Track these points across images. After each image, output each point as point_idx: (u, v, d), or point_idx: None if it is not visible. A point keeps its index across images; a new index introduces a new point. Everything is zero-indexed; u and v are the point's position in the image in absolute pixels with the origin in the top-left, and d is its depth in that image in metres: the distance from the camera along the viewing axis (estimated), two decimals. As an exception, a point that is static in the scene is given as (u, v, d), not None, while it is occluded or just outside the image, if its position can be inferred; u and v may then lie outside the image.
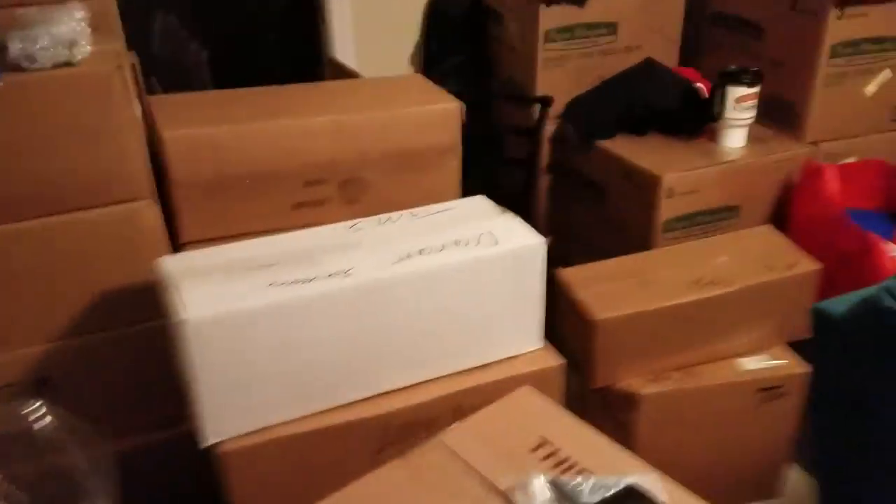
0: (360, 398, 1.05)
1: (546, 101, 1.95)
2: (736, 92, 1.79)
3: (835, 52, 1.77)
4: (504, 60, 2.14)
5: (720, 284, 1.53)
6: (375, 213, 1.22)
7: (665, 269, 1.58)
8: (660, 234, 1.77)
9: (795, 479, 1.74)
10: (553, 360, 1.15)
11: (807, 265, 1.61)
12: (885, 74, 1.85)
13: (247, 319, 0.94)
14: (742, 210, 1.83)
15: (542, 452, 0.69)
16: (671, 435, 1.51)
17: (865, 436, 0.85)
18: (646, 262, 1.62)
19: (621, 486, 0.60)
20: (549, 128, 2.02)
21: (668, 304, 1.48)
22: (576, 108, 2.02)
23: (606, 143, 1.91)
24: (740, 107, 1.80)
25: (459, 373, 1.09)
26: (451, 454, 0.68)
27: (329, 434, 1.01)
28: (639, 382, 1.49)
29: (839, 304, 0.89)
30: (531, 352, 1.15)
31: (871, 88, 1.86)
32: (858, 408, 0.85)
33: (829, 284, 1.59)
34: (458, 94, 2.14)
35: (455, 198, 1.43)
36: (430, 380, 1.07)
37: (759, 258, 1.62)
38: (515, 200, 1.59)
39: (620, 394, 1.48)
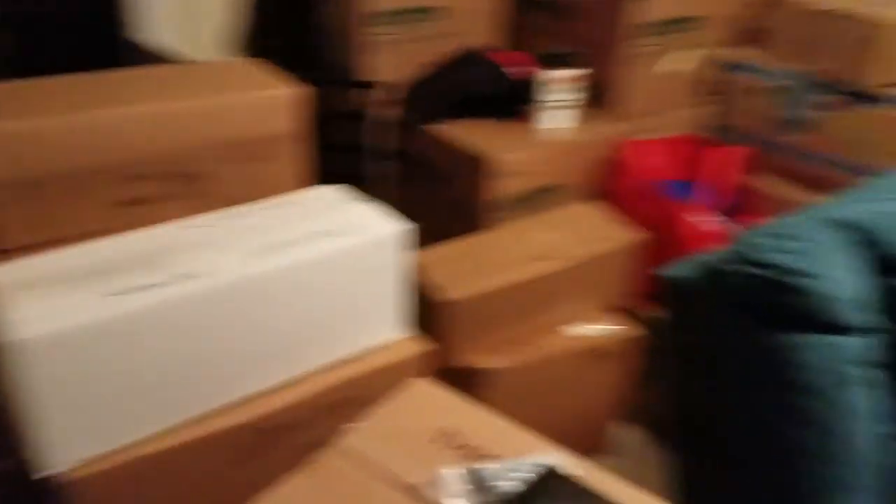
0: (224, 405, 0.98)
1: (368, 86, 1.92)
2: (555, 75, 1.86)
3: (643, 33, 1.89)
4: (328, 44, 2.08)
5: (557, 259, 1.60)
6: (215, 209, 1.14)
7: (506, 247, 1.62)
8: (496, 214, 1.81)
9: (629, 436, 1.87)
10: (421, 345, 1.14)
11: (631, 236, 1.72)
12: (689, 53, 2.00)
13: (87, 334, 0.85)
14: (567, 188, 1.92)
15: (448, 443, 0.68)
16: (519, 404, 1.56)
17: (719, 396, 0.91)
18: (488, 241, 1.66)
19: (535, 467, 0.60)
20: (384, 112, 2.01)
21: (513, 280, 1.52)
22: (407, 92, 2.01)
23: (440, 128, 1.92)
24: (559, 89, 1.87)
25: (327, 369, 1.05)
26: (357, 458, 0.65)
27: (192, 448, 0.94)
28: (489, 358, 1.52)
29: (684, 268, 0.95)
30: (398, 339, 1.13)
31: (675, 67, 2.00)
32: (710, 369, 0.92)
33: (646, 253, 1.71)
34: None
35: (303, 188, 1.38)
36: (298, 379, 1.02)
37: (589, 231, 1.72)
38: (350, 187, 1.56)
39: (474, 371, 1.51)
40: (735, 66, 2.01)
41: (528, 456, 0.62)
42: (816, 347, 0.80)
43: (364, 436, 0.67)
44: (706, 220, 1.70)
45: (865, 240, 0.86)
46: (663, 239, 1.74)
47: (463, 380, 1.51)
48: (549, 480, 0.58)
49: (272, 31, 2.13)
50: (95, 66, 1.34)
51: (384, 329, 1.12)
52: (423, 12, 1.98)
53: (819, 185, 1.91)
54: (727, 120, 2.06)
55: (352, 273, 1.03)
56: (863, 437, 0.83)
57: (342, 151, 1.96)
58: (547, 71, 1.85)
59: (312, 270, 0.99)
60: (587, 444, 1.76)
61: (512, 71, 1.99)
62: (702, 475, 0.98)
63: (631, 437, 1.89)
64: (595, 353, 1.66)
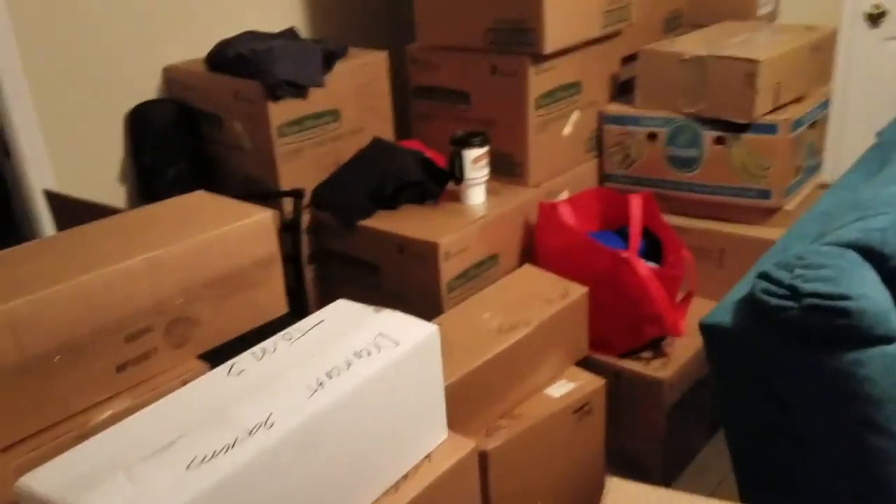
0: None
1: (299, 194, 1.89)
2: (471, 154, 1.92)
3: (538, 104, 1.99)
4: (233, 161, 2.03)
5: (521, 326, 1.62)
6: (207, 349, 1.07)
7: (468, 326, 1.62)
8: (444, 296, 1.82)
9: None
10: (465, 444, 1.11)
11: (577, 291, 1.77)
12: (576, 115, 2.12)
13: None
14: (501, 257, 1.96)
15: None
16: (515, 477, 1.55)
17: (789, 424, 0.95)
18: (448, 324, 1.64)
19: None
20: (312, 217, 1.98)
21: (490, 355, 1.52)
22: (325, 194, 1.99)
23: (369, 222, 1.91)
24: (477, 167, 1.93)
25: (395, 491, 0.99)
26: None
27: None
28: (479, 440, 1.50)
29: (721, 314, 1.00)
30: (441, 443, 1.09)
31: (567, 129, 2.12)
32: (776, 406, 0.96)
33: (591, 303, 1.77)
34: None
35: (283, 309, 1.32)
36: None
37: (537, 295, 1.75)
38: (287, 296, 1.51)
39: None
40: (614, 119, 2.16)
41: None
42: (877, 359, 0.87)
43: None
44: (642, 264, 1.79)
45: (872, 256, 0.95)
46: (606, 286, 1.81)
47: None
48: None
49: (167, 159, 2.04)
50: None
51: (431, 435, 1.08)
52: (323, 116, 1.98)
53: (720, 213, 2.08)
54: (620, 168, 2.19)
55: (401, 385, 0.99)
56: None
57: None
58: (468, 151, 1.90)
59: (369, 391, 0.94)
60: (580, 496, 1.78)
61: (427, 156, 2.03)
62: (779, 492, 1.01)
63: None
64: (573, 410, 1.68)
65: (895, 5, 2.70)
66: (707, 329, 1.00)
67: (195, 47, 2.09)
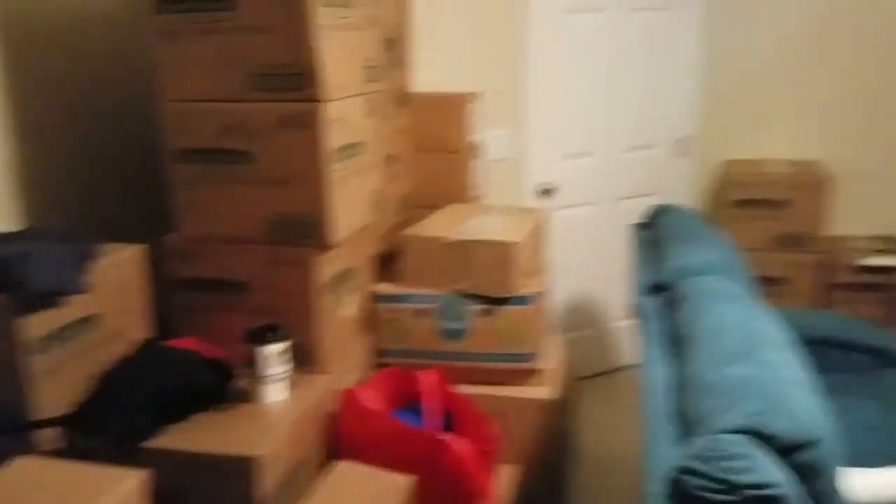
0: None
1: (76, 422, 1.50)
2: (272, 349, 1.74)
3: (323, 292, 1.90)
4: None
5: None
6: None
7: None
8: (266, 513, 1.57)
9: None
10: None
11: (403, 482, 1.69)
12: (355, 297, 2.08)
13: None
14: (313, 457, 1.78)
15: None
16: None
17: None
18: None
19: None
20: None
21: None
22: (89, 415, 1.61)
23: (154, 443, 1.59)
24: (278, 361, 1.76)
25: None
26: None
27: None
28: None
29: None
30: None
31: (350, 312, 2.06)
32: None
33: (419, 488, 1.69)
34: None
35: None
36: None
37: (364, 495, 1.63)
38: None
39: None
40: (386, 298, 2.17)
41: None
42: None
43: None
44: (460, 442, 1.77)
45: (763, 438, 1.06)
46: (422, 470, 1.74)
47: None
48: None
49: None
50: None
51: None
52: (82, 323, 1.65)
53: (490, 378, 2.17)
54: (394, 343, 2.16)
55: None
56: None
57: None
58: (268, 346, 1.72)
59: None
60: None
61: (207, 355, 1.78)
62: None
63: None
64: None
65: (560, 184, 3.23)
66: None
67: None
